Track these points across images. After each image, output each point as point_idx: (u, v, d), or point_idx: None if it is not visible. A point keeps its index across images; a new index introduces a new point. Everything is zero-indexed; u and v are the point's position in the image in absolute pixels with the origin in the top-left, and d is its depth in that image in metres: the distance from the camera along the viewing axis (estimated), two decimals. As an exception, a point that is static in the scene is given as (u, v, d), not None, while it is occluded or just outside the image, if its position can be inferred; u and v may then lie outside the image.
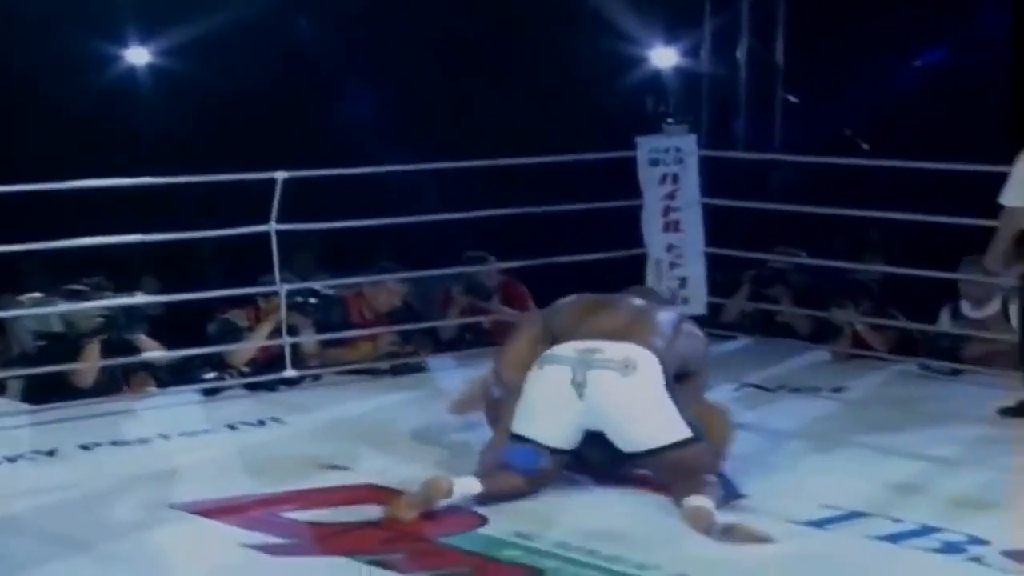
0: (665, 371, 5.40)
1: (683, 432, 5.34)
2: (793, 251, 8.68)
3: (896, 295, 8.07)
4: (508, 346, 5.88)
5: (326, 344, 7.86)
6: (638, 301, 5.80)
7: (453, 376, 7.73)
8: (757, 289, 8.71)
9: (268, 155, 7.61)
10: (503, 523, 5.17)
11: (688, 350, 5.64)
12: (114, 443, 6.45)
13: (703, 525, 5.05)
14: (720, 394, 5.98)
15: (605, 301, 5.76)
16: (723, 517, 5.07)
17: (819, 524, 5.19)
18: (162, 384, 7.42)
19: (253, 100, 10.03)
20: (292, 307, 7.57)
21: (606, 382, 5.33)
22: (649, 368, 5.36)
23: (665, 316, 5.67)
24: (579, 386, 5.35)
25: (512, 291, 8.56)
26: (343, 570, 4.76)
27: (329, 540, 5.04)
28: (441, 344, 8.30)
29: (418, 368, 7.94)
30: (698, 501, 5.12)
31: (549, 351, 5.52)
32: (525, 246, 8.46)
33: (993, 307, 7.70)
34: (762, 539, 4.95)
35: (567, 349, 5.45)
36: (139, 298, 7.47)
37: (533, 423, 5.44)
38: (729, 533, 4.98)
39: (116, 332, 7.20)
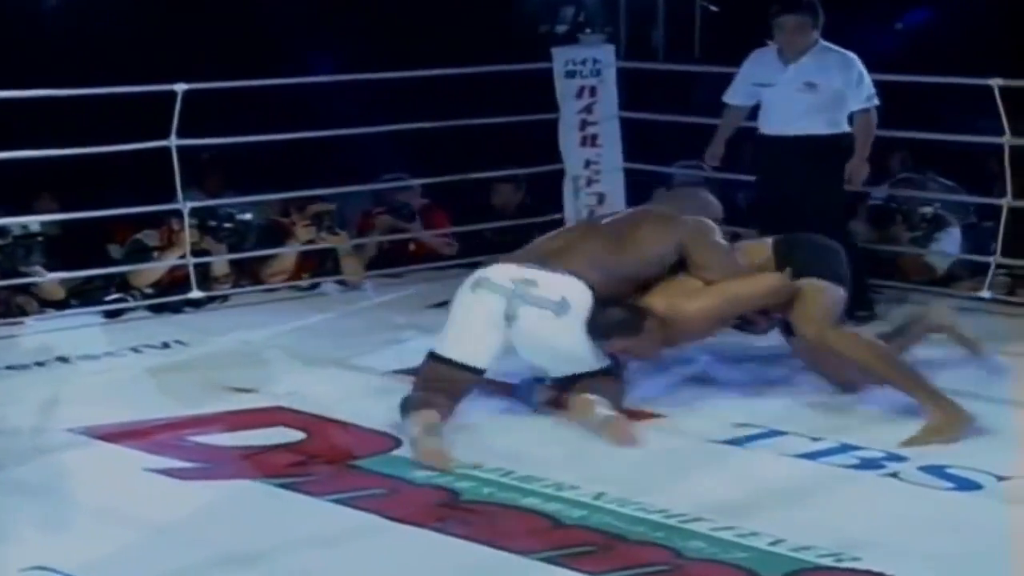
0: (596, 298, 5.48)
1: (594, 366, 5.51)
2: (698, 164, 8.66)
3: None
4: None
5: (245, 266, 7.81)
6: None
7: (368, 297, 7.76)
8: None
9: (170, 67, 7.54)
10: (417, 445, 5.22)
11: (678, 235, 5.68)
12: (10, 367, 6.41)
13: (586, 413, 5.33)
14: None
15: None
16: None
17: (738, 442, 5.30)
18: (59, 307, 7.34)
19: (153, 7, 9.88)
20: (205, 231, 7.53)
21: (536, 320, 5.43)
22: (580, 306, 5.45)
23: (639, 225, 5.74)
24: (510, 318, 5.42)
25: (434, 215, 8.55)
26: (252, 494, 4.80)
27: (237, 464, 5.07)
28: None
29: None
30: (589, 396, 5.40)
31: (485, 273, 5.53)
32: (441, 164, 8.43)
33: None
34: (628, 440, 5.21)
35: (504, 276, 5.48)
36: (34, 219, 7.37)
37: (461, 345, 5.46)
38: (604, 425, 5.26)
39: (11, 263, 7.12)
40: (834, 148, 7.00)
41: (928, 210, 7.84)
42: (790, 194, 6.98)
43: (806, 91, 6.97)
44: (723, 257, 5.70)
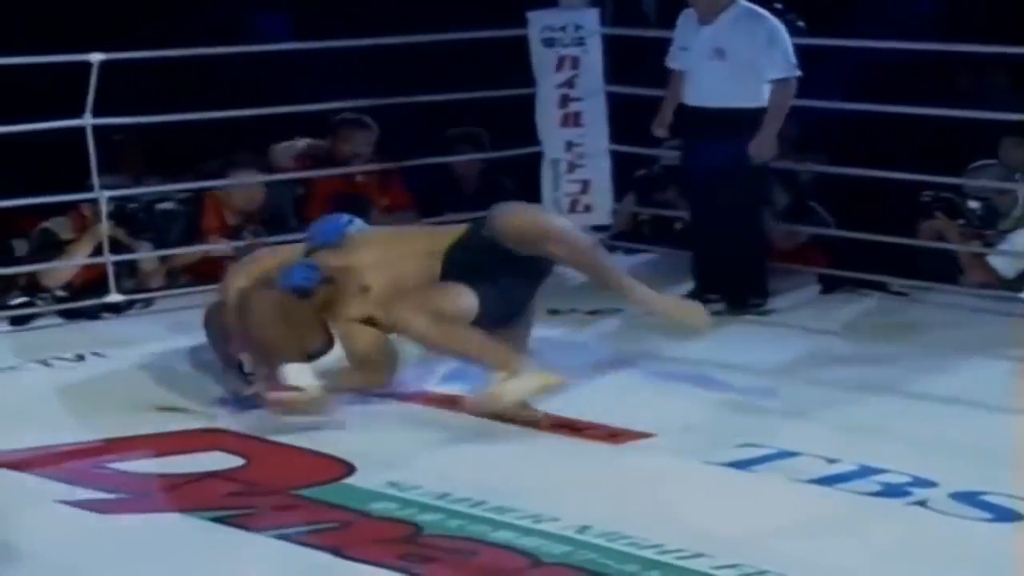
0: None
1: None
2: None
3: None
4: None
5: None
6: None
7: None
8: (647, 193, 8.65)
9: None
10: (373, 472, 5.23)
11: None
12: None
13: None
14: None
15: None
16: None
17: (742, 465, 5.30)
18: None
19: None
20: (121, 220, 7.51)
21: None
22: None
23: None
24: None
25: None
26: (182, 528, 4.80)
27: (166, 494, 5.08)
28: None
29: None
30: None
31: None
32: (404, 143, 8.46)
33: None
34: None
35: None
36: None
37: None
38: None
39: None
40: (751, 123, 7.19)
41: (976, 204, 7.74)
42: (704, 168, 7.24)
43: (715, 58, 7.23)
44: None
